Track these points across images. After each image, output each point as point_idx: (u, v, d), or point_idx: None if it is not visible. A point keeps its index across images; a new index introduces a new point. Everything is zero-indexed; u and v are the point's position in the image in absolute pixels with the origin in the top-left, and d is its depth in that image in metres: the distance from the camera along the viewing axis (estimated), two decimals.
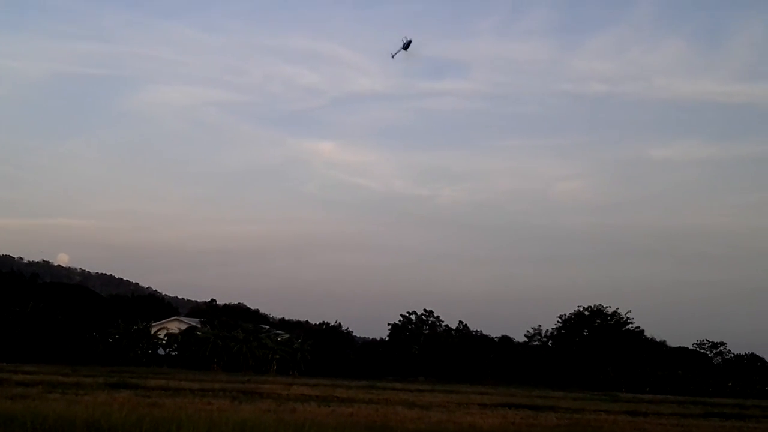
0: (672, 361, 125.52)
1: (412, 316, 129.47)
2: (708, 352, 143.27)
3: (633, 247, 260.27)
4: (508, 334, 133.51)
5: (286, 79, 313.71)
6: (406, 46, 75.38)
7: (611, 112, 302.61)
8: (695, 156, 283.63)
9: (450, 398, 57.78)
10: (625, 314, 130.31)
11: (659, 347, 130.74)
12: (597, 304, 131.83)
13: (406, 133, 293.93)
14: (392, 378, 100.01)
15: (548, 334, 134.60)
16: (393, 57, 76.76)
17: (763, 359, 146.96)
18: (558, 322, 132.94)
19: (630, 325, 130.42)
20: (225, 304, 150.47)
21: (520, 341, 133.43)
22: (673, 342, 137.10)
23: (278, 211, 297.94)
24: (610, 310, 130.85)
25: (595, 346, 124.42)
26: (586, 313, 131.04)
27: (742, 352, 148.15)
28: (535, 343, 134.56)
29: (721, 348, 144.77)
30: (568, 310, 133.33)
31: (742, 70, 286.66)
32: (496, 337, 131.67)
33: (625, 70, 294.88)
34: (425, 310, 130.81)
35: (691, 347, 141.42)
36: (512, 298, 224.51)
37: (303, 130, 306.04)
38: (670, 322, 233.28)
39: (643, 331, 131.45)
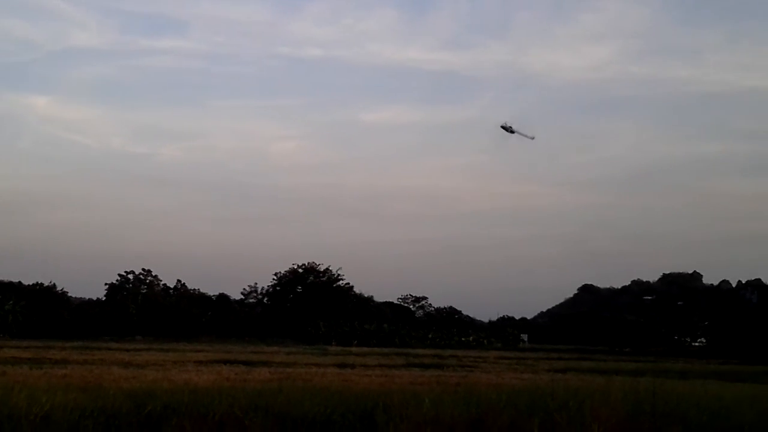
0: (379, 315, 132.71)
1: (130, 276, 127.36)
2: (411, 306, 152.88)
3: (344, 207, 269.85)
4: (225, 293, 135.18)
5: None
6: None
7: (326, 76, 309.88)
8: (402, 120, 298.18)
9: (166, 356, 58.32)
10: (336, 271, 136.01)
11: (367, 302, 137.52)
12: (310, 262, 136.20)
13: (124, 90, 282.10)
14: (109, 338, 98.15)
15: (264, 292, 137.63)
16: None
17: (460, 312, 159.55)
18: (274, 279, 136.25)
19: (341, 282, 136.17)
20: None
21: (237, 299, 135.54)
22: (379, 297, 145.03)
23: None
24: (322, 268, 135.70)
25: (308, 302, 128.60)
26: (300, 270, 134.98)
27: (442, 306, 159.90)
28: (252, 300, 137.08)
29: (423, 302, 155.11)
30: (284, 267, 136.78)
31: (445, 39, 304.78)
32: (213, 296, 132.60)
33: (340, 36, 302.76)
34: (143, 269, 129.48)
35: (396, 302, 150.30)
36: (231, 257, 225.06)
37: (16, 84, 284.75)
38: (377, 278, 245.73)
39: (352, 287, 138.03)
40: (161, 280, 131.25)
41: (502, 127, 54.30)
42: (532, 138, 53.56)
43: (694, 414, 15.52)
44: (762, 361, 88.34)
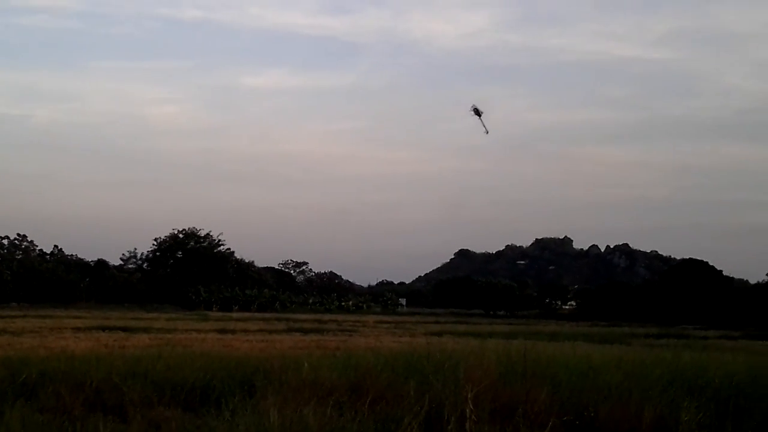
0: (260, 280, 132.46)
1: (5, 241, 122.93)
2: (292, 272, 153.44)
3: (226, 172, 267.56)
4: (104, 258, 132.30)
5: None
6: None
7: (207, 39, 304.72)
8: (283, 85, 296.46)
9: (43, 323, 56.67)
10: (217, 237, 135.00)
11: (248, 267, 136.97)
12: (191, 227, 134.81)
13: None
14: None
15: (144, 257, 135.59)
16: None
17: (340, 277, 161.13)
18: (153, 245, 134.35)
19: (221, 247, 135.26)
20: None
21: (116, 264, 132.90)
22: (261, 262, 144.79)
23: None
24: (203, 233, 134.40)
25: (188, 267, 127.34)
26: (181, 236, 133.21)
27: (323, 271, 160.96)
28: (131, 266, 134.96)
29: (304, 267, 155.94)
30: (164, 233, 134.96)
31: (325, 3, 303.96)
32: (91, 261, 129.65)
33: None
34: (18, 234, 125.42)
35: (277, 267, 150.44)
36: (109, 222, 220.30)
37: None
38: (258, 243, 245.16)
39: (233, 252, 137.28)
40: (37, 246, 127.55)
41: (474, 108, 54.31)
42: (486, 132, 53.91)
43: (564, 374, 16.27)
44: (629, 323, 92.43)
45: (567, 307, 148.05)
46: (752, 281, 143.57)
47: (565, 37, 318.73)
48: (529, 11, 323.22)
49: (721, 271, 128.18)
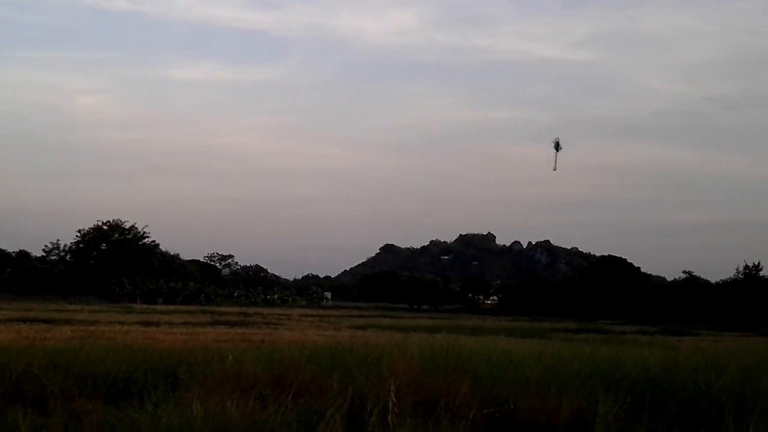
0: (185, 273, 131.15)
1: None
2: (218, 265, 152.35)
3: (152, 164, 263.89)
4: (25, 249, 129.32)
5: None
6: None
7: (134, 31, 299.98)
8: (211, 78, 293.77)
9: None
10: (142, 229, 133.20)
11: (173, 260, 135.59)
12: (116, 219, 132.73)
13: None
14: None
15: (67, 249, 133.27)
16: None
17: (266, 270, 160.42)
18: (77, 236, 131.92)
19: (146, 240, 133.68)
20: None
21: (38, 256, 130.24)
22: (186, 255, 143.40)
23: None
24: (128, 225, 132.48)
25: (112, 259, 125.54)
26: (105, 227, 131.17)
27: (248, 264, 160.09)
28: (54, 257, 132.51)
29: (230, 260, 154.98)
30: (89, 224, 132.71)
31: None
32: (13, 252, 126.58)
33: None
34: None
35: (202, 260, 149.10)
36: (31, 213, 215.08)
37: None
38: (184, 235, 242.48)
39: (158, 245, 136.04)
40: None
41: (556, 142, 53.02)
42: (554, 170, 52.92)
43: (485, 367, 16.58)
44: (549, 318, 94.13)
45: (489, 301, 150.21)
46: (669, 278, 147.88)
47: (490, 37, 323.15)
48: (456, 11, 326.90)
49: (639, 268, 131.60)
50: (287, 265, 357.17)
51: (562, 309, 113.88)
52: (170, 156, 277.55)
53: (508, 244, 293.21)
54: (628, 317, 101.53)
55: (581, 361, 19.03)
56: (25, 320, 50.48)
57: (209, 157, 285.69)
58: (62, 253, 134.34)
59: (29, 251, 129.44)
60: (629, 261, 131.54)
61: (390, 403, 11.94)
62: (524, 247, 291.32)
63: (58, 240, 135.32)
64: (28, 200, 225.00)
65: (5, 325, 45.50)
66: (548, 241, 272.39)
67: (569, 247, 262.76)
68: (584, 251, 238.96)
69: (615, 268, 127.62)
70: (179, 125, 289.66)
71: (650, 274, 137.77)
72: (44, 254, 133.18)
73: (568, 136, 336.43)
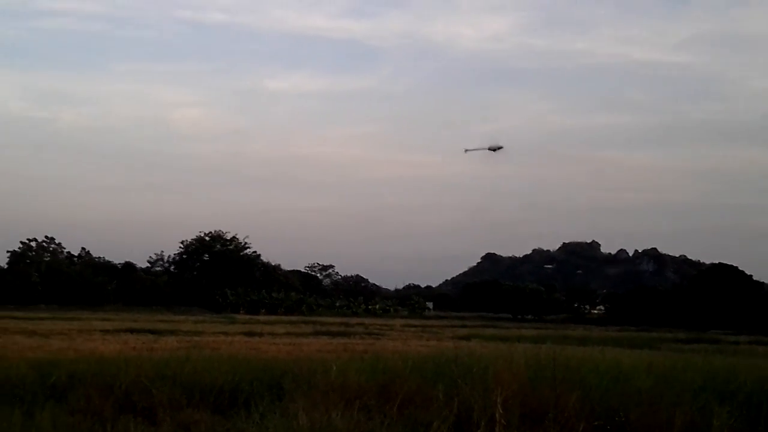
0: (286, 283, 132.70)
1: (33, 243, 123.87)
2: (318, 275, 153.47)
3: (250, 175, 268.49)
4: (131, 261, 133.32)
5: None
6: None
7: (230, 42, 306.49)
8: (306, 88, 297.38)
9: (71, 325, 57.14)
10: (243, 240, 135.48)
11: (274, 270, 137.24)
12: (217, 230, 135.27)
13: (23, 53, 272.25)
14: (12, 307, 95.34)
15: (171, 260, 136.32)
16: None
17: (366, 280, 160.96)
18: (180, 247, 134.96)
19: (248, 250, 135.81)
20: None
21: (143, 267, 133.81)
22: (287, 265, 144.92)
23: None
24: (229, 236, 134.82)
25: (215, 270, 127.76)
26: (207, 238, 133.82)
27: (349, 274, 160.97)
28: (158, 269, 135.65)
29: (330, 270, 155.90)
30: (190, 236, 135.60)
31: (348, 7, 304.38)
32: (119, 264, 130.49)
33: (242, 1, 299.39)
34: (46, 236, 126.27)
35: (303, 270, 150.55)
36: (136, 225, 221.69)
37: None
38: (284, 246, 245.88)
39: (259, 255, 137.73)
40: (65, 248, 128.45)
41: (490, 148, 55.46)
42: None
43: (593, 379, 16.11)
44: (657, 328, 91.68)
45: (595, 311, 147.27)
46: None
47: (587, 41, 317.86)
48: (552, 15, 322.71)
49: (750, 275, 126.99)
50: (387, 274, 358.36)
51: (671, 319, 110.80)
52: (266, 166, 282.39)
53: (613, 252, 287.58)
54: (740, 327, 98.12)
55: (693, 371, 18.40)
56: (131, 331, 51.85)
57: (304, 166, 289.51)
58: (166, 264, 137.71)
59: (134, 263, 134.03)
60: (741, 269, 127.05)
61: (497, 415, 11.65)
62: (630, 255, 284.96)
63: (162, 251, 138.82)
64: (132, 212, 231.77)
65: (113, 335, 46.84)
66: (655, 248, 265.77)
67: (677, 255, 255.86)
68: (693, 259, 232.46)
69: (726, 276, 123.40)
70: (274, 135, 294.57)
71: (763, 282, 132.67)
72: (149, 265, 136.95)
73: (671, 140, 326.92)
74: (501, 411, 11.68)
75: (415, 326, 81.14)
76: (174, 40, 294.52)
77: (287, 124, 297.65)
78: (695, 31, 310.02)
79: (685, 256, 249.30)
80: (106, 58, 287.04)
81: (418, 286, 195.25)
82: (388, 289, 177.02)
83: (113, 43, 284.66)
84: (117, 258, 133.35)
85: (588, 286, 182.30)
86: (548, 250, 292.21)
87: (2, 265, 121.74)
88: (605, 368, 18.28)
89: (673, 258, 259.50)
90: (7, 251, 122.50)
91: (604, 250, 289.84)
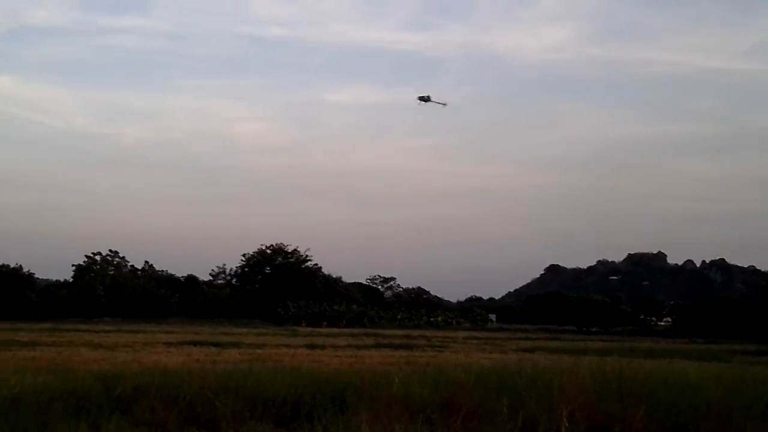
0: (347, 296, 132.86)
1: (97, 257, 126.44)
2: (380, 287, 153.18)
3: (310, 188, 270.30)
4: (193, 273, 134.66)
5: None
6: None
7: (289, 56, 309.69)
8: (366, 100, 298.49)
9: (136, 338, 58.11)
10: (305, 252, 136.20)
11: (335, 283, 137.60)
12: (278, 243, 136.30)
13: (87, 70, 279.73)
14: (77, 320, 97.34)
15: (233, 273, 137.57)
16: None
17: (428, 292, 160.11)
18: (242, 260, 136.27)
19: (309, 263, 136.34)
20: None
21: (205, 280, 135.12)
22: (348, 278, 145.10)
23: None
24: (290, 249, 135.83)
25: (276, 283, 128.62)
26: (268, 251, 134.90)
27: (410, 286, 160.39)
28: (220, 281, 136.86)
29: (391, 283, 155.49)
30: (252, 248, 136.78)
31: (407, 20, 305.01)
32: (182, 277, 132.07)
33: (302, 15, 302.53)
34: (110, 250, 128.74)
35: (364, 282, 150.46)
36: (198, 238, 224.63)
37: None
38: (345, 259, 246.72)
39: (321, 267, 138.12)
40: (128, 262, 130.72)
41: (419, 98, 58.27)
42: (445, 104, 58.18)
43: (661, 392, 15.75)
44: (727, 340, 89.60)
45: (663, 323, 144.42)
46: None
47: (650, 49, 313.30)
48: (614, 24, 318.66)
49: None
50: (449, 287, 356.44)
51: (741, 330, 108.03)
52: (328, 179, 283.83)
53: (680, 263, 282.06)
54: None
55: (764, 384, 17.83)
56: (194, 343, 52.51)
57: (365, 179, 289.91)
58: (228, 277, 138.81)
59: (197, 275, 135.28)
60: None
61: (562, 428, 11.45)
62: (697, 265, 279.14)
63: (224, 264, 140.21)
64: (194, 226, 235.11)
65: (177, 348, 47.47)
66: (723, 259, 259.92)
67: (746, 266, 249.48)
68: (762, 270, 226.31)
69: None
70: (335, 148, 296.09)
71: None
72: (211, 278, 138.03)
73: (738, 149, 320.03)
74: (567, 424, 11.47)
75: (478, 338, 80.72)
76: (234, 55, 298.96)
77: (347, 137, 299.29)
78: (762, 38, 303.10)
79: (753, 266, 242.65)
80: (167, 74, 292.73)
81: (481, 298, 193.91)
82: (450, 301, 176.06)
83: (175, 60, 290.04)
84: (180, 271, 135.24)
85: (654, 297, 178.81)
86: (613, 261, 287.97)
87: (68, 278, 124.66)
88: (673, 381, 17.87)
89: (741, 268, 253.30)
90: (72, 265, 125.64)
91: (670, 260, 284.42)
